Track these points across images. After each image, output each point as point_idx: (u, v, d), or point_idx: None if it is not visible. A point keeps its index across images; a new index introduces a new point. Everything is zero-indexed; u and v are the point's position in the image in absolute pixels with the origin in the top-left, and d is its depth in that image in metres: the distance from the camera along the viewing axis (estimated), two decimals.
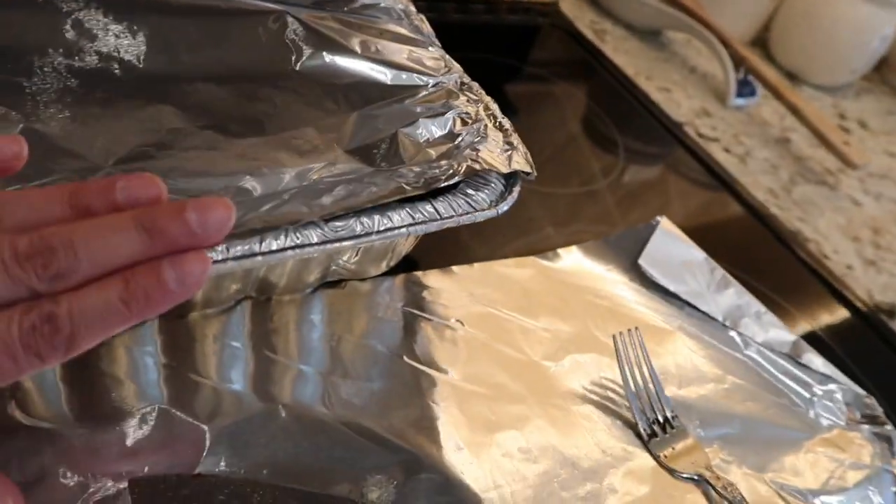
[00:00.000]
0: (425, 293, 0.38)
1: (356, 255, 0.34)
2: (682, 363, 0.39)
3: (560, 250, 0.43)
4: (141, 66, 0.32)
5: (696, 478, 0.33)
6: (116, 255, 0.20)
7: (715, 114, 0.66)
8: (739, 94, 0.67)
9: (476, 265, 0.40)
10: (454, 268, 0.39)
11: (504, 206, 0.32)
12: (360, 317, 0.35)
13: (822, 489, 0.35)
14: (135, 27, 0.32)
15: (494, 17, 0.67)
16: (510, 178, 0.34)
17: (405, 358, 0.35)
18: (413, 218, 0.30)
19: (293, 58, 0.35)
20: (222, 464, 0.29)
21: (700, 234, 0.51)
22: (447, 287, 0.38)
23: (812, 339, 0.46)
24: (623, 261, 0.43)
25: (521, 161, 0.34)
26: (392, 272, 0.38)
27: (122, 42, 0.32)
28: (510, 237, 0.44)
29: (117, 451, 0.28)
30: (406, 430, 0.32)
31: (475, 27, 0.65)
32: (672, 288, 0.42)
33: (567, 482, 0.31)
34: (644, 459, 0.34)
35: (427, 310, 0.37)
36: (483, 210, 0.32)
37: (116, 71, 0.32)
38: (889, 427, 0.38)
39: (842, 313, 0.49)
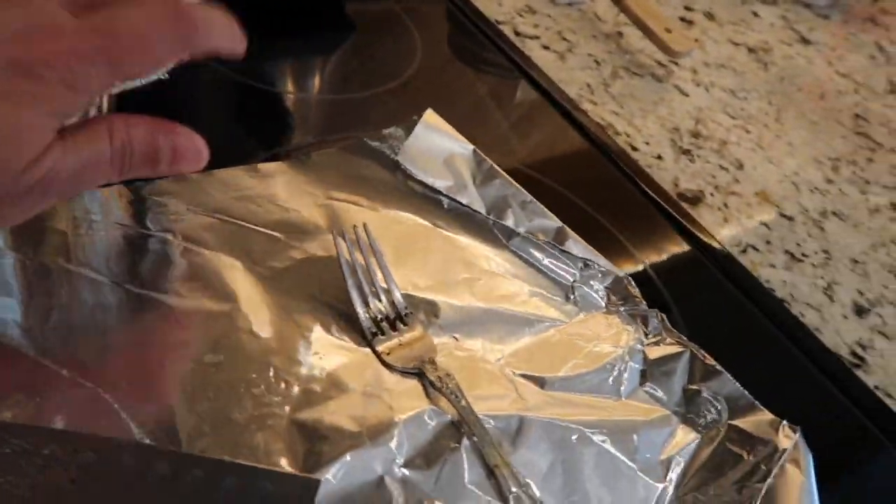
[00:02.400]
0: (142, 205, 0.35)
1: None
2: (433, 261, 0.37)
3: (313, 154, 0.40)
4: None
5: (415, 371, 0.32)
6: None
7: (540, 11, 0.62)
8: None
9: (203, 174, 0.37)
10: (189, 175, 0.36)
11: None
12: (58, 234, 0.32)
13: (562, 374, 0.34)
14: None
15: None
16: None
17: (118, 282, 0.32)
18: None
19: None
20: None
21: (496, 132, 0.49)
22: (167, 198, 0.35)
23: (602, 232, 0.44)
24: (384, 159, 0.41)
25: None
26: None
27: None
28: (264, 148, 0.42)
29: None
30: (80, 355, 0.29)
31: None
32: (433, 183, 0.40)
33: (266, 387, 0.29)
34: (363, 357, 0.32)
35: (142, 224, 0.34)
36: None
37: None
38: (644, 305, 0.37)
39: (639, 204, 0.48)
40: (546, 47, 0.59)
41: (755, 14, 0.75)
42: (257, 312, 0.32)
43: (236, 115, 0.48)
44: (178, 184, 0.36)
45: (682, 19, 0.70)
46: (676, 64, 0.63)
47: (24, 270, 0.31)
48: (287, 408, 0.29)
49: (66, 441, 0.25)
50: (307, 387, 0.30)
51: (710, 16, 0.72)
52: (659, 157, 0.53)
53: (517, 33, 0.59)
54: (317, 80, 0.54)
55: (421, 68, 0.53)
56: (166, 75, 0.31)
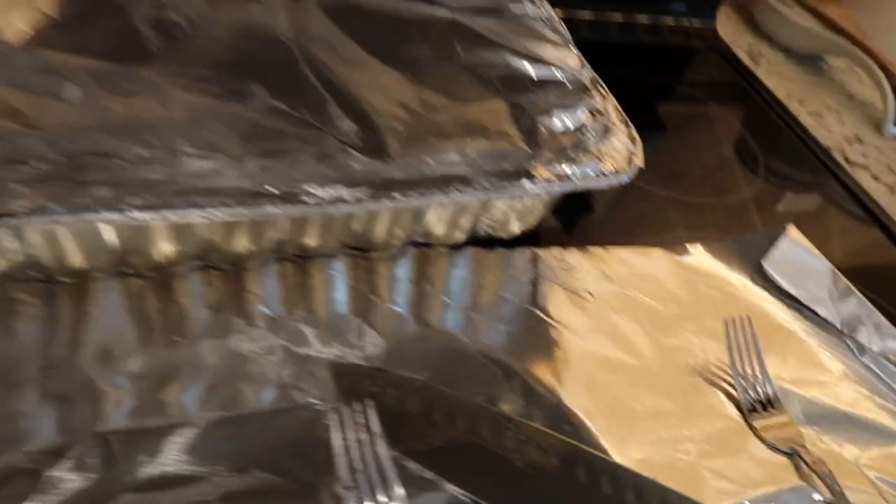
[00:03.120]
0: (560, 265, 0.44)
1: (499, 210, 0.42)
2: (793, 359, 0.43)
3: (687, 245, 0.48)
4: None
5: (788, 451, 0.37)
6: None
7: (868, 142, 0.66)
8: None
9: (608, 248, 0.46)
10: (588, 248, 0.45)
11: (626, 178, 0.38)
12: (500, 274, 0.43)
13: None
14: None
15: (653, 39, 0.72)
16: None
17: (537, 311, 0.41)
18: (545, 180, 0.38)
19: (458, 49, 0.43)
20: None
21: (833, 254, 0.54)
22: (581, 264, 0.45)
23: None
24: (747, 262, 0.47)
25: (638, 159, 0.40)
26: (533, 244, 0.45)
27: None
28: (644, 233, 0.50)
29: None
30: (535, 369, 0.39)
31: (634, 48, 0.71)
32: (793, 291, 0.46)
33: (678, 434, 0.37)
34: (741, 430, 0.38)
35: (560, 279, 0.44)
36: (601, 178, 0.38)
37: None
38: None
39: None
40: (875, 178, 0.62)
41: None
42: (661, 373, 0.40)
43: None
44: (586, 255, 0.46)
45: None
46: None
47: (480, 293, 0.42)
48: (692, 454, 0.36)
49: (543, 437, 0.34)
50: (703, 439, 0.37)
51: None
52: None
53: (848, 161, 0.63)
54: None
55: (735, 178, 0.59)
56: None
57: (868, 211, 0.58)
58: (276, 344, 0.36)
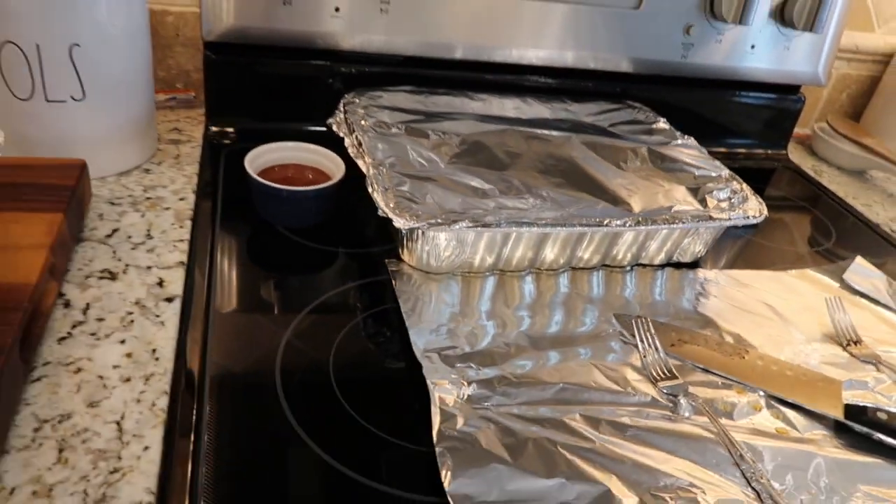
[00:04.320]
0: (715, 277, 0.77)
1: (691, 239, 0.75)
2: (870, 322, 0.72)
3: (792, 270, 0.80)
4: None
5: (872, 361, 0.66)
6: None
7: None
8: None
9: (742, 271, 0.78)
10: (729, 270, 0.78)
11: (760, 219, 0.72)
12: (681, 287, 0.75)
13: None
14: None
15: (733, 162, 1.08)
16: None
17: (708, 293, 0.73)
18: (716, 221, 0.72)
19: (656, 161, 0.80)
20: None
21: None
22: (729, 274, 0.77)
23: None
24: (833, 278, 0.79)
25: (764, 210, 0.74)
26: (696, 267, 0.78)
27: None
28: (762, 265, 0.82)
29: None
30: (719, 321, 0.70)
31: (734, 168, 1.06)
32: (865, 291, 0.76)
33: (797, 345, 0.67)
34: (839, 353, 0.68)
35: (718, 282, 0.76)
36: (747, 219, 0.72)
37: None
38: None
39: None
40: None
41: None
42: (788, 322, 0.70)
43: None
44: (730, 272, 0.78)
45: None
46: None
47: None
48: (815, 360, 0.66)
49: (736, 348, 0.65)
50: (808, 363, 0.67)
51: None
52: None
53: (893, 231, 0.94)
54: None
55: (815, 239, 0.91)
56: None
57: None
58: (578, 303, 0.69)
